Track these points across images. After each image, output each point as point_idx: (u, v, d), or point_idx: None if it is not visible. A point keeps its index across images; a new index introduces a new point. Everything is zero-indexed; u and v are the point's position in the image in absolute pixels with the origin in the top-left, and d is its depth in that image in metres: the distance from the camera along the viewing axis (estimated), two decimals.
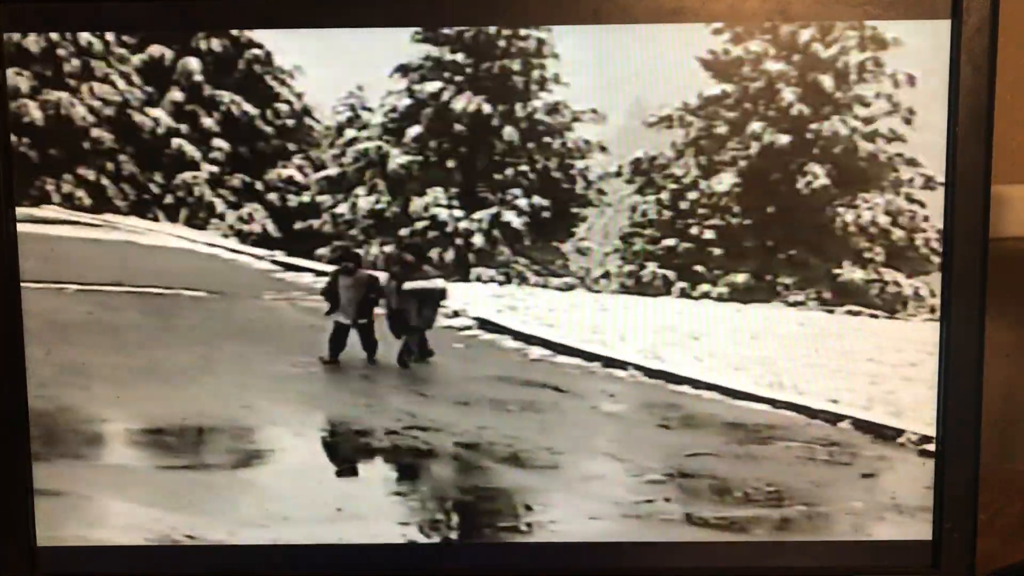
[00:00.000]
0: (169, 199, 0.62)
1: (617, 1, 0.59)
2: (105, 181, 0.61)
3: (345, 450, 0.63)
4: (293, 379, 0.63)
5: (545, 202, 0.62)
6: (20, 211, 0.61)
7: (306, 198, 0.62)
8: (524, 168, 0.62)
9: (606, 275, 0.63)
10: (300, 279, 0.63)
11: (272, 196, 0.62)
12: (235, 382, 0.63)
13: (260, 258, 0.63)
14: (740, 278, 0.62)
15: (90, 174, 0.61)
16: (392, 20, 0.59)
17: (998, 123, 0.59)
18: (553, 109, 0.61)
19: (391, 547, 0.63)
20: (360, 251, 0.62)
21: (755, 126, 0.61)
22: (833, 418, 0.63)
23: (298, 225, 0.63)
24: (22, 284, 0.62)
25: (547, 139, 0.62)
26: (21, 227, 0.62)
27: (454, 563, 0.63)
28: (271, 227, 0.62)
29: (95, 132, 0.61)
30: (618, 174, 0.62)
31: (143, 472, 0.63)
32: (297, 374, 0.63)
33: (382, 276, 0.62)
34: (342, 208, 0.62)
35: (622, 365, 0.63)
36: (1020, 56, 0.70)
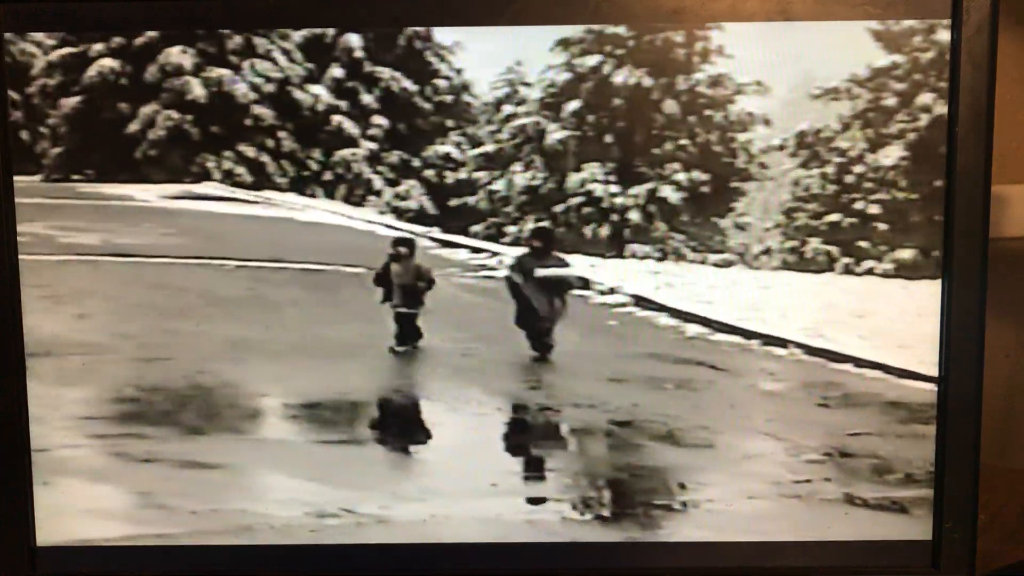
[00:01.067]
0: (328, 176, 0.62)
1: (616, 1, 0.58)
2: (265, 158, 0.61)
3: (499, 426, 0.63)
4: (449, 354, 0.63)
5: (704, 176, 0.61)
6: (180, 187, 0.62)
7: (463, 175, 0.62)
8: (684, 142, 0.61)
9: (767, 251, 0.61)
10: (456, 256, 0.63)
11: (429, 173, 0.62)
12: (392, 358, 0.63)
13: (417, 235, 0.62)
14: (906, 254, 0.60)
15: (250, 151, 0.61)
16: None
17: (998, 123, 0.57)
18: (716, 81, 0.60)
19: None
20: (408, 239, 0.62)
21: (925, 98, 0.59)
22: None
23: (454, 202, 0.62)
24: (182, 260, 0.62)
25: (709, 112, 0.60)
26: (181, 203, 0.62)
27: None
28: (427, 204, 0.62)
29: (256, 109, 0.61)
30: (781, 147, 0.60)
31: (301, 446, 0.63)
32: (452, 349, 0.63)
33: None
34: (498, 185, 0.62)
35: (782, 343, 0.61)
36: (1020, 56, 0.67)
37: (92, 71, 0.60)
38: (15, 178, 0.61)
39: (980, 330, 0.59)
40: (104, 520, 0.63)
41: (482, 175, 0.62)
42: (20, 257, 0.62)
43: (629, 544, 0.63)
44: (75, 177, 0.61)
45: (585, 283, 0.62)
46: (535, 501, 0.63)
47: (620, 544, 0.63)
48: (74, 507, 0.63)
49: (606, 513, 0.63)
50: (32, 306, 0.62)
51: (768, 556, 0.62)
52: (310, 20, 0.60)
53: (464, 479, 0.63)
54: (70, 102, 0.61)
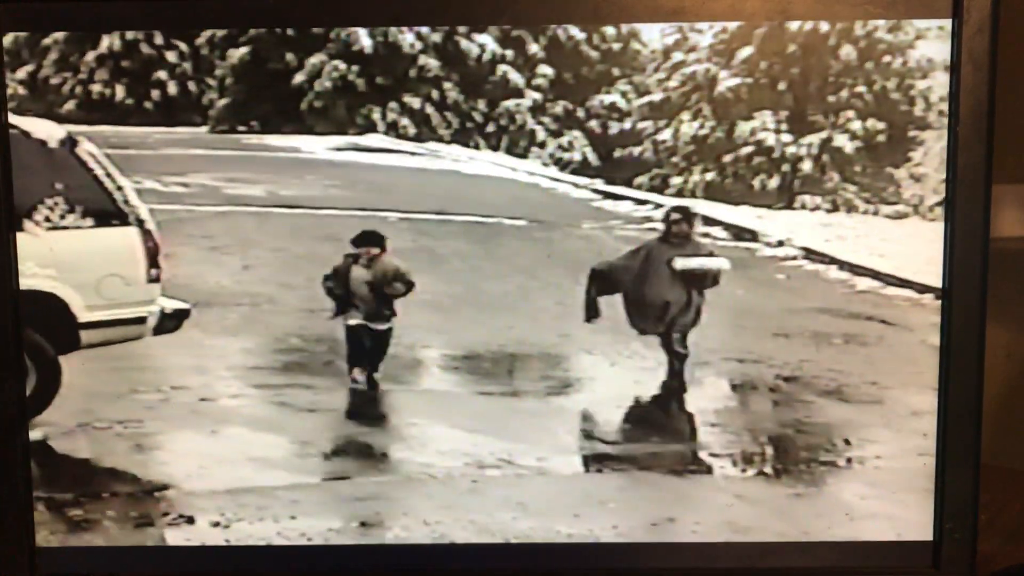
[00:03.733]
0: (491, 127, 0.60)
1: (616, 1, 0.56)
2: (430, 109, 0.60)
3: (660, 380, 0.61)
4: (609, 307, 0.61)
5: (880, 125, 0.58)
6: (345, 139, 0.61)
7: (627, 125, 0.60)
8: (860, 89, 0.58)
9: (942, 203, 0.58)
10: (618, 208, 0.61)
11: (593, 123, 0.60)
12: (552, 311, 0.61)
13: (579, 187, 0.61)
14: None
15: (415, 102, 0.60)
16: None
17: (998, 123, 0.56)
18: (895, 26, 0.57)
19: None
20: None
21: None
22: None
23: (618, 153, 0.60)
24: (346, 212, 0.61)
25: (887, 58, 0.57)
26: (346, 155, 0.61)
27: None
28: (591, 155, 0.60)
29: (422, 59, 0.59)
30: None
31: (462, 397, 0.62)
32: (614, 302, 0.61)
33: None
34: (664, 135, 0.60)
35: None
36: (1020, 56, 0.65)
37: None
38: (179, 128, 0.61)
39: (980, 331, 0.58)
40: (268, 469, 0.63)
41: (648, 125, 0.60)
42: (186, 208, 0.61)
43: (628, 544, 0.61)
44: (240, 128, 0.61)
45: (753, 235, 0.60)
46: (694, 456, 0.61)
47: (619, 544, 0.61)
48: (239, 456, 0.63)
49: (768, 470, 0.61)
50: (197, 257, 0.61)
51: (768, 556, 0.61)
52: (310, 20, 0.58)
53: (624, 433, 0.62)
54: (237, 53, 0.60)
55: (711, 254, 0.59)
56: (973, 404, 0.58)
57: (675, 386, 0.61)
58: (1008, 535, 0.70)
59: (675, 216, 0.59)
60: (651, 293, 0.60)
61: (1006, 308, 0.74)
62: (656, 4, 0.57)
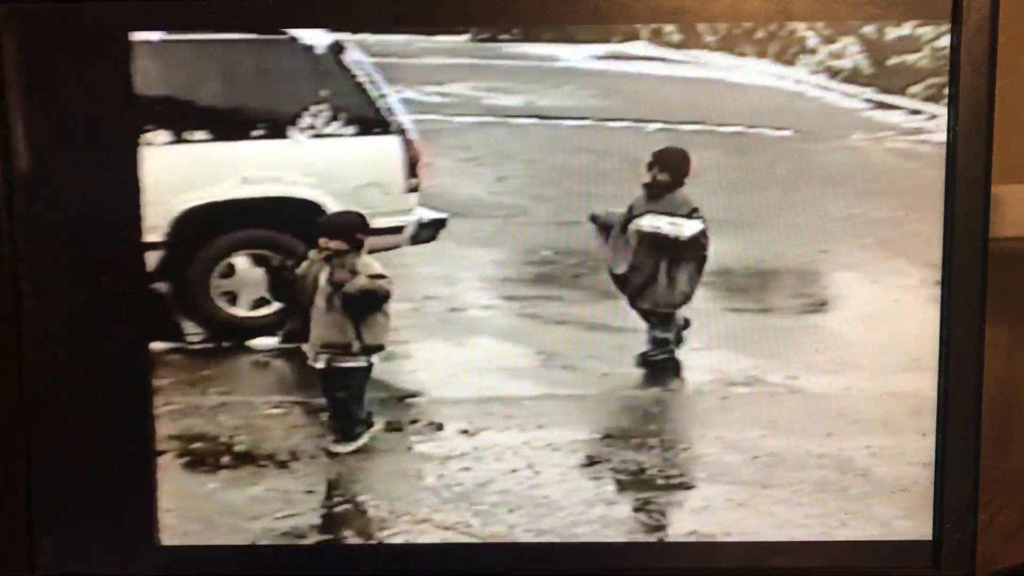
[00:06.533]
0: (760, 34, 0.57)
1: (616, 1, 0.54)
2: None
3: (922, 300, 0.58)
4: (873, 224, 0.58)
5: None
6: (607, 47, 0.58)
7: (906, 31, 0.56)
8: None
9: None
10: (890, 118, 0.57)
11: (868, 29, 0.56)
12: (812, 225, 0.58)
13: (850, 95, 0.57)
14: None
15: None
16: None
17: (998, 123, 0.55)
18: None
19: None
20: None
21: None
22: None
23: (892, 61, 0.56)
24: (603, 122, 0.59)
25: None
26: (606, 64, 0.59)
27: None
28: (863, 63, 0.57)
29: None
30: None
31: (711, 313, 0.60)
32: (878, 218, 0.58)
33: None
34: (943, 41, 0.56)
35: None
36: (1020, 56, 0.62)
37: None
38: (441, 37, 0.59)
39: (980, 331, 0.57)
40: (516, 379, 0.62)
41: (927, 31, 0.56)
42: (444, 117, 0.60)
43: (628, 544, 0.59)
44: (502, 37, 0.59)
45: None
46: None
47: (619, 544, 0.59)
48: (487, 365, 0.62)
49: None
50: (453, 168, 0.60)
51: (768, 556, 0.59)
52: (310, 20, 0.57)
53: (880, 352, 0.59)
54: None
55: (693, 212, 0.52)
56: (973, 404, 0.57)
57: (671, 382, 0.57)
58: (1008, 535, 0.69)
59: (652, 160, 0.50)
60: (615, 255, 0.52)
61: (1006, 308, 0.72)
62: (656, 4, 0.55)
